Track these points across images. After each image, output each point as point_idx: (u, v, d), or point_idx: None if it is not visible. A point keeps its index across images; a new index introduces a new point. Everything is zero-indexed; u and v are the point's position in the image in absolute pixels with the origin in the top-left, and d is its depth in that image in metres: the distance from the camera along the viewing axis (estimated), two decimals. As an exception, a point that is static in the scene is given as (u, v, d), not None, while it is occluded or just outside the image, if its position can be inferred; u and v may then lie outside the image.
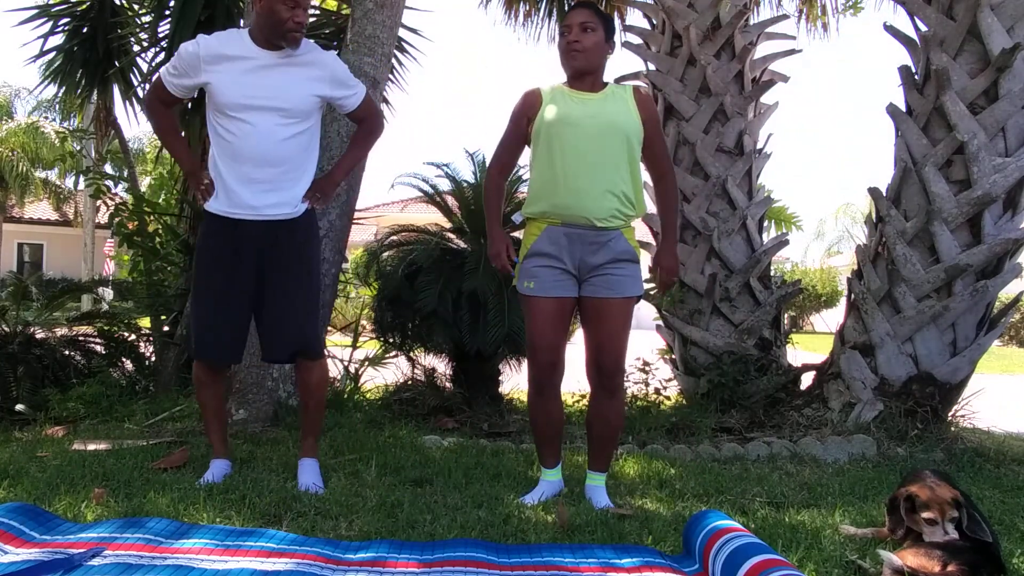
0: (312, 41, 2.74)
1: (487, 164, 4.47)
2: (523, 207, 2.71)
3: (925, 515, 2.10)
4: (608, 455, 2.77)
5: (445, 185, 4.65)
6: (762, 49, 5.21)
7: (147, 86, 5.80)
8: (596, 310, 2.63)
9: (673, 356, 5.08)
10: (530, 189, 2.68)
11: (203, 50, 2.60)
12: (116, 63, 5.87)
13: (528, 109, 2.68)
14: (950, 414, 4.04)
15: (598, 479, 2.73)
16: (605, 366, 2.65)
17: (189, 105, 5.28)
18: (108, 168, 10.22)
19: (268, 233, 2.64)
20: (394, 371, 4.92)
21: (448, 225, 4.75)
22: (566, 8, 7.32)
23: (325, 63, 2.69)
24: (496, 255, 2.73)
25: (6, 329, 4.45)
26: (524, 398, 4.62)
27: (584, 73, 2.62)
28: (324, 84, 2.67)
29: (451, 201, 4.68)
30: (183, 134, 5.40)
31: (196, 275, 2.77)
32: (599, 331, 2.64)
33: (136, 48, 6.00)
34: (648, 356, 4.90)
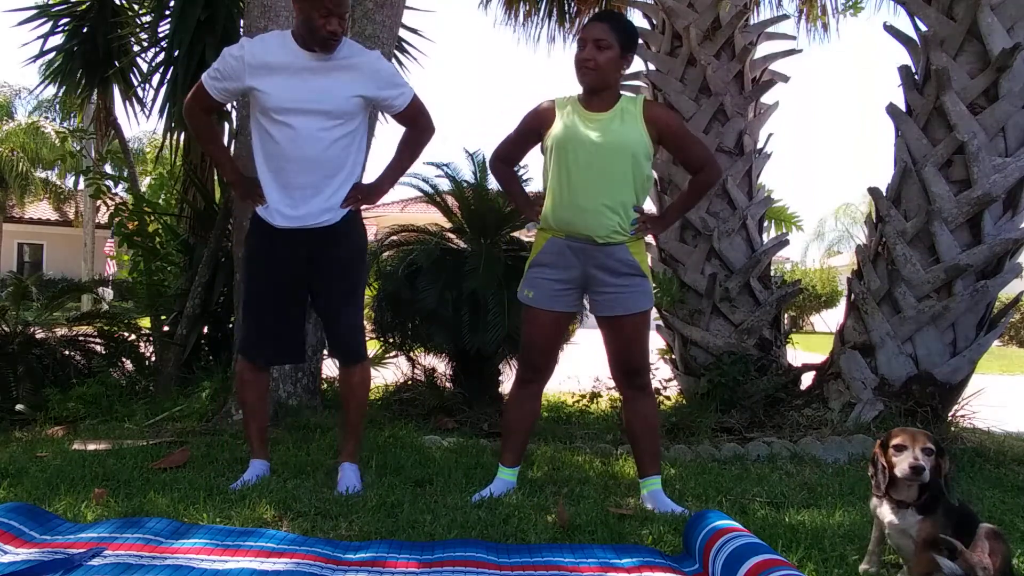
0: (357, 44, 2.74)
1: (486, 162, 4.49)
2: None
3: (894, 441, 1.98)
4: (656, 454, 2.76)
5: (445, 185, 4.65)
6: (762, 49, 5.22)
7: (147, 86, 5.84)
8: (611, 325, 2.70)
9: (673, 356, 5.07)
10: (545, 207, 2.70)
11: (248, 55, 2.60)
12: (116, 63, 5.87)
13: (539, 121, 2.72)
14: (950, 414, 4.04)
15: (655, 483, 2.70)
16: (631, 368, 2.74)
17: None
18: (108, 168, 10.22)
19: (313, 240, 2.64)
20: (394, 371, 4.92)
21: (448, 225, 4.75)
22: (566, 8, 7.32)
23: (369, 63, 2.67)
24: (528, 212, 2.87)
25: (6, 329, 4.45)
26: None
27: (596, 90, 2.63)
28: (367, 84, 2.63)
29: (451, 201, 4.68)
30: (182, 136, 5.45)
31: (243, 277, 2.83)
32: (618, 341, 2.71)
33: (136, 48, 6.01)
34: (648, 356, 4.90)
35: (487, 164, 2.94)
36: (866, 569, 2.07)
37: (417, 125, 2.81)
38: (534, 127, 2.74)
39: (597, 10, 7.25)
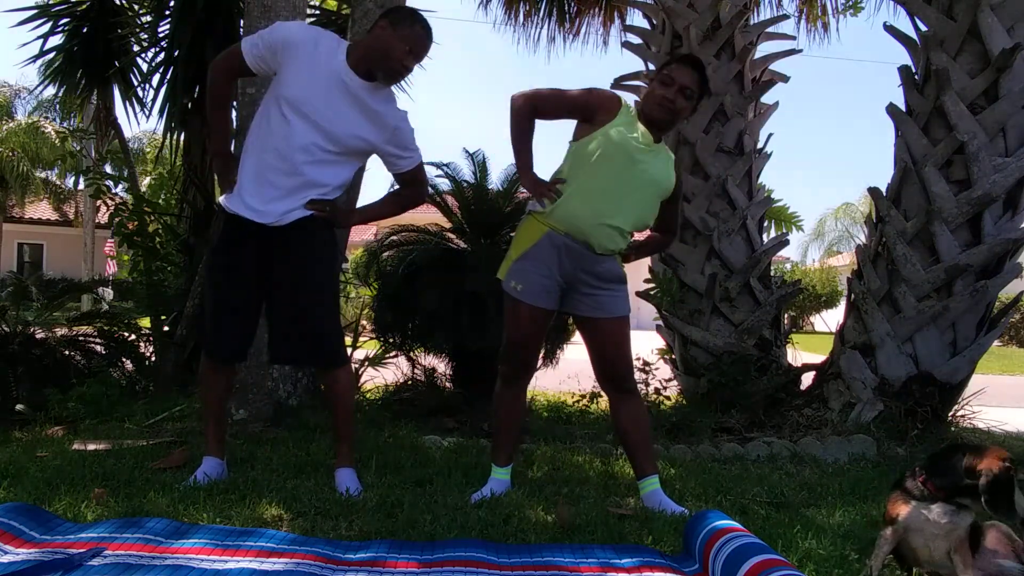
0: (394, 96, 2.68)
1: (485, 162, 4.47)
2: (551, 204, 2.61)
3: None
4: (651, 454, 2.76)
5: (445, 185, 4.65)
6: (762, 49, 5.22)
7: (147, 86, 5.85)
8: (594, 329, 2.69)
9: (673, 356, 5.08)
10: (562, 198, 2.59)
11: (305, 38, 2.53)
12: (116, 63, 5.88)
13: (599, 105, 2.61)
14: (950, 414, 4.04)
15: (653, 483, 2.69)
16: (617, 372, 2.74)
17: (189, 105, 5.29)
18: (108, 168, 10.23)
19: (279, 235, 2.60)
20: (394, 371, 4.92)
21: (448, 225, 4.75)
22: (566, 8, 7.32)
23: (394, 118, 2.61)
24: (534, 187, 2.63)
25: (6, 329, 4.45)
26: (524, 398, 4.63)
27: (661, 128, 2.64)
28: (380, 135, 2.60)
29: (451, 201, 4.68)
30: (182, 136, 5.46)
31: (207, 272, 2.75)
32: (604, 346, 2.71)
33: (136, 48, 6.02)
34: (648, 356, 4.90)
35: (512, 107, 2.62)
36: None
37: (411, 188, 2.81)
38: (591, 106, 2.61)
39: (598, 11, 7.27)
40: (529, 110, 2.62)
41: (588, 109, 2.62)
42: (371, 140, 2.60)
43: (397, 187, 2.85)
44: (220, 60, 2.68)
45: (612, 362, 2.72)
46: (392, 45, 2.49)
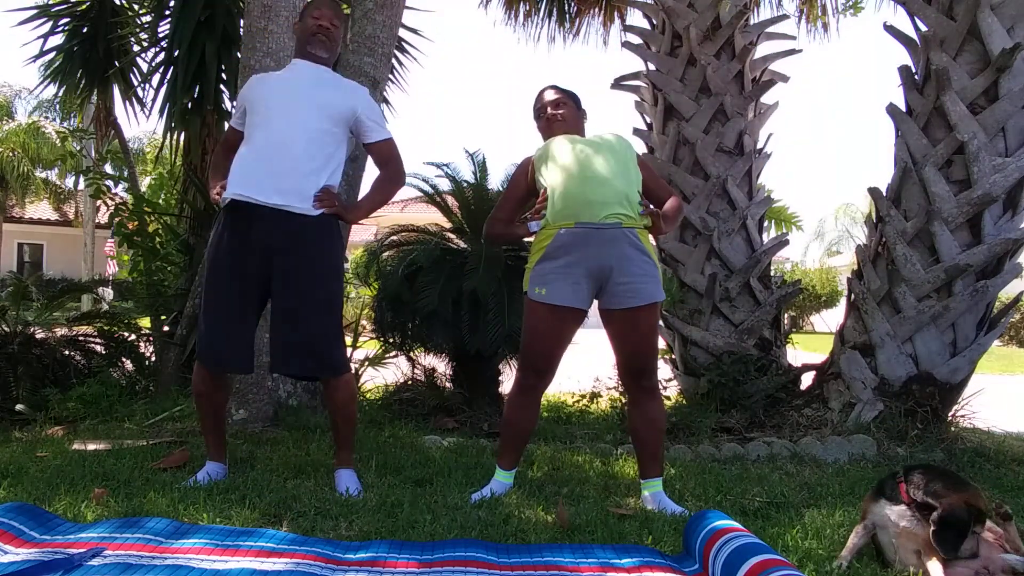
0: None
1: (485, 162, 4.49)
2: (545, 218, 2.69)
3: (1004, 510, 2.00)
4: (659, 456, 2.74)
5: (445, 185, 4.65)
6: (762, 49, 5.22)
7: (147, 86, 5.87)
8: (623, 319, 2.64)
9: (673, 356, 5.08)
10: (550, 204, 2.67)
11: (255, 81, 2.87)
12: (116, 63, 5.89)
13: (524, 171, 2.88)
14: (950, 414, 4.03)
15: (656, 484, 2.69)
16: (641, 367, 2.70)
17: (188, 105, 5.29)
18: (108, 168, 10.25)
19: (281, 230, 2.57)
20: (394, 371, 4.92)
21: (448, 225, 4.75)
22: (566, 8, 7.33)
23: (361, 88, 2.90)
24: (523, 217, 2.86)
25: (6, 329, 4.45)
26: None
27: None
28: (354, 101, 2.78)
29: (451, 201, 4.68)
30: (182, 136, 5.47)
31: (206, 278, 2.70)
32: (629, 338, 2.66)
33: (136, 48, 6.02)
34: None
35: (486, 234, 3.03)
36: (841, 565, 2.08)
37: (390, 167, 2.88)
38: (524, 172, 2.87)
39: (598, 11, 7.28)
40: (495, 223, 2.95)
41: (526, 174, 2.87)
42: (345, 105, 2.76)
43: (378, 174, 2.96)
44: (220, 143, 3.03)
45: (638, 354, 2.67)
46: (306, 22, 2.85)
